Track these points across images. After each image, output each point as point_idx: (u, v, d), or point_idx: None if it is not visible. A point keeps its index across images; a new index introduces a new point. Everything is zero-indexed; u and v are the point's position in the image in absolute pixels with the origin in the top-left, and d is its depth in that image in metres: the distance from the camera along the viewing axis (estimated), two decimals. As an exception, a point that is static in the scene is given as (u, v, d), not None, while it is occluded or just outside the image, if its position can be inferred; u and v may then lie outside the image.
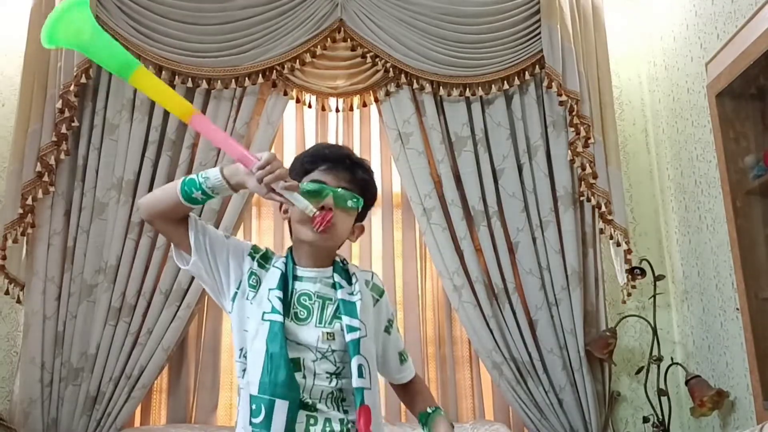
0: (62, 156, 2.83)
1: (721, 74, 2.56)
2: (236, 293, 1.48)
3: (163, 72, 2.95)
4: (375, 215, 3.02)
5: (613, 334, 2.86)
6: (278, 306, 1.43)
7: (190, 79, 2.96)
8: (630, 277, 2.91)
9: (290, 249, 1.55)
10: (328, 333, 1.43)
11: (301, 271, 1.50)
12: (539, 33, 3.06)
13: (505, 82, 3.05)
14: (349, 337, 1.42)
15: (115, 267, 2.79)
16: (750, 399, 2.46)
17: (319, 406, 1.40)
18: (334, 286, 1.50)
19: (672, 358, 2.93)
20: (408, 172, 2.99)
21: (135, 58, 1.42)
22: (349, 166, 1.53)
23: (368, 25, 3.06)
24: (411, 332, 2.96)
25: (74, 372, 2.73)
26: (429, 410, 1.57)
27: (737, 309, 2.52)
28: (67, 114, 2.82)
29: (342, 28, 3.06)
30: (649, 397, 2.84)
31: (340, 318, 1.45)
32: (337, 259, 1.56)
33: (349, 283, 1.51)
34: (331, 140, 3.10)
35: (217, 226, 2.85)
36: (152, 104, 2.94)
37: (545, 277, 2.91)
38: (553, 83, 2.99)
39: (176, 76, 2.96)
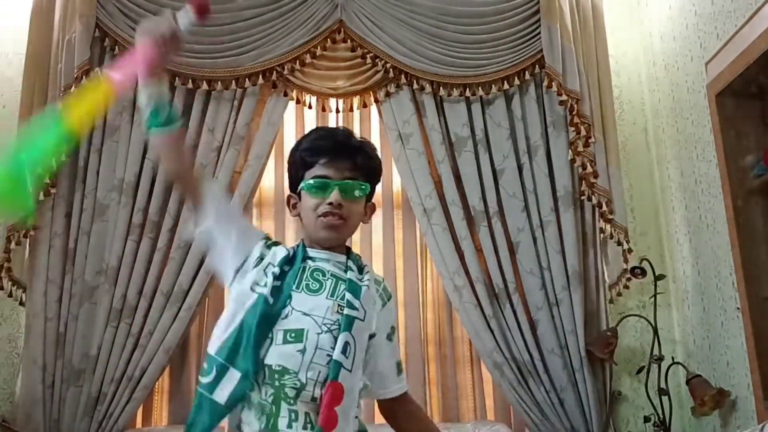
0: (62, 158, 2.83)
1: (721, 74, 2.55)
2: (240, 268, 1.49)
3: (164, 73, 2.95)
4: (376, 216, 3.00)
5: (613, 333, 2.86)
6: (270, 281, 1.43)
7: (190, 80, 2.96)
8: (627, 276, 2.91)
9: (303, 240, 1.56)
10: (339, 305, 1.42)
11: (313, 253, 1.51)
12: (539, 33, 3.06)
13: (505, 82, 3.05)
14: (345, 311, 1.41)
15: (116, 268, 2.80)
16: (751, 398, 2.46)
17: (303, 394, 1.35)
18: (345, 270, 1.50)
19: (673, 358, 2.93)
20: (408, 173, 2.99)
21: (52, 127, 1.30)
22: (349, 154, 1.52)
23: (368, 25, 3.06)
24: (412, 332, 2.97)
25: (76, 373, 2.73)
26: None
27: (738, 308, 2.52)
28: (67, 116, 2.82)
29: (342, 29, 3.06)
30: (650, 397, 2.84)
31: None
32: (355, 253, 1.58)
33: (360, 272, 1.52)
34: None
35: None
36: (153, 106, 2.95)
37: (546, 277, 2.91)
38: (553, 83, 2.99)
39: (176, 78, 2.96)
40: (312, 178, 1.50)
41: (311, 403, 1.36)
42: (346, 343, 1.38)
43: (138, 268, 2.81)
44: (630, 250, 2.94)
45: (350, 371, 1.37)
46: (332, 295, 1.44)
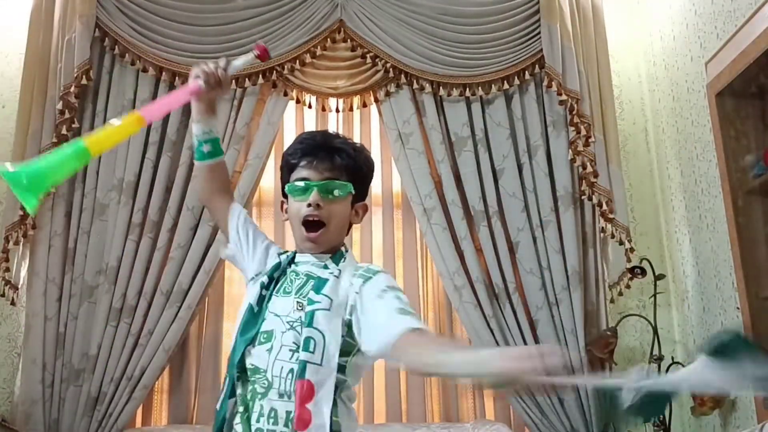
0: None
1: (721, 73, 2.56)
2: (253, 278, 1.57)
3: (164, 73, 2.96)
4: (375, 215, 3.02)
5: (613, 333, 2.85)
6: (255, 290, 1.50)
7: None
8: (628, 276, 2.91)
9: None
10: (298, 302, 1.45)
11: (299, 257, 1.55)
12: (539, 33, 3.06)
13: (505, 81, 3.05)
14: (308, 308, 1.43)
15: (116, 268, 2.80)
16: (750, 398, 2.46)
17: (271, 391, 1.40)
18: (324, 268, 1.52)
19: (673, 358, 2.93)
20: (408, 173, 2.99)
21: (75, 144, 1.35)
22: (328, 154, 1.53)
23: (368, 25, 3.06)
24: (412, 332, 2.96)
25: (75, 373, 2.73)
26: None
27: (737, 308, 2.52)
28: (67, 115, 2.82)
29: (342, 29, 3.06)
30: (650, 397, 2.83)
31: None
32: (343, 249, 1.57)
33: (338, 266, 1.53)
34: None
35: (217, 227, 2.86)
36: (152, 105, 2.95)
37: (546, 277, 2.91)
38: (553, 83, 2.99)
39: (176, 77, 2.96)
40: (294, 181, 1.54)
41: (278, 399, 1.40)
42: (308, 339, 1.39)
43: (138, 268, 2.80)
44: (632, 249, 2.93)
45: (320, 364, 1.39)
46: (297, 293, 1.48)
